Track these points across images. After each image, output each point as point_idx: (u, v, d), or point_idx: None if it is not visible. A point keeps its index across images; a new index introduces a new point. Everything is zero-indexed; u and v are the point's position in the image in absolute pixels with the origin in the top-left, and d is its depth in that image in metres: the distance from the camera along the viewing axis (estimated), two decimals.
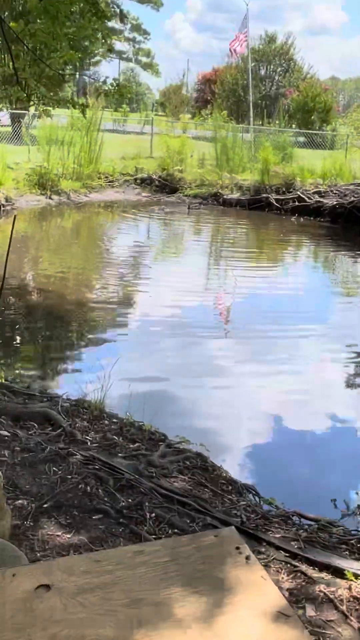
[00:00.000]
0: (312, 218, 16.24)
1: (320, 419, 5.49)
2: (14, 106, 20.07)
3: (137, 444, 4.13)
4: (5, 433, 3.90)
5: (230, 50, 25.21)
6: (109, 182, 18.28)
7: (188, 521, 3.29)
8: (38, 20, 6.31)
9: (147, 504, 3.36)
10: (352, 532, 3.58)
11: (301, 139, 25.22)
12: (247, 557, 1.73)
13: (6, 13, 6.04)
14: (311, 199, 16.58)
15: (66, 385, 5.54)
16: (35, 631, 1.51)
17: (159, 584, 1.62)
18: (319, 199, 16.47)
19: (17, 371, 5.80)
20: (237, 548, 1.75)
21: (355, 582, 2.90)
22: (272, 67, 40.37)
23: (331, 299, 9.98)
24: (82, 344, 7.10)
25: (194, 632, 1.53)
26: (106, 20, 6.88)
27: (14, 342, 6.83)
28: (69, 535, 3.04)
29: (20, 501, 3.26)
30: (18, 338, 7.00)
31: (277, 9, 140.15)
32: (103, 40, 7.99)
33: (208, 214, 16.66)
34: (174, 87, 47.48)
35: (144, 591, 1.60)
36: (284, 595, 2.73)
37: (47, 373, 6.12)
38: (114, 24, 37.68)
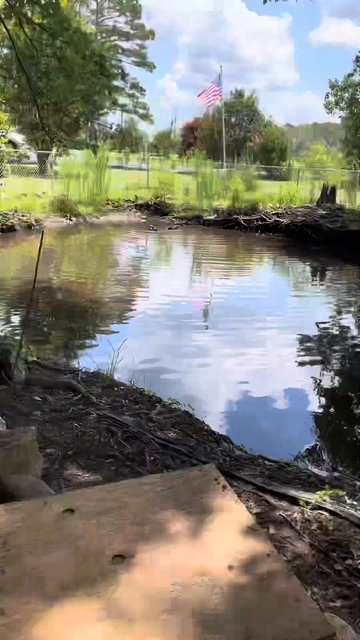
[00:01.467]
0: (271, 234, 16.24)
1: (281, 386, 5.54)
2: (40, 147, 19.97)
3: (139, 405, 4.14)
4: (38, 398, 3.91)
5: (202, 99, 25.07)
6: (115, 207, 18.18)
7: (178, 462, 3.30)
8: (58, 79, 6.28)
9: (147, 450, 3.38)
10: (303, 470, 3.62)
11: (263, 173, 25.21)
12: (224, 487, 1.75)
13: (32, 73, 5.99)
14: (270, 219, 16.59)
15: (84, 361, 5.55)
16: (63, 545, 1.52)
17: (157, 507, 1.64)
18: (277, 219, 16.48)
19: (47, 351, 5.80)
20: (216, 479, 1.77)
21: (306, 508, 2.93)
22: (240, 116, 40.21)
23: (284, 297, 10.01)
24: (96, 330, 7.10)
25: (185, 544, 1.55)
26: (111, 79, 6.84)
27: (44, 329, 6.82)
28: (87, 475, 3.04)
29: (49, 450, 3.27)
30: (46, 326, 6.98)
31: (244, 70, 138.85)
32: (109, 95, 7.96)
33: (193, 233, 16.61)
34: (164, 133, 47.27)
35: (145, 513, 1.62)
36: (254, 517, 2.76)
37: (69, 353, 6.12)
38: (117, 82, 37.31)
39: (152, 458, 3.28)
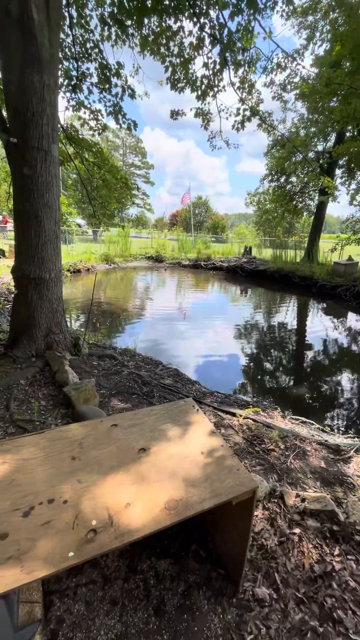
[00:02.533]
0: (218, 271, 16.24)
1: (226, 352, 5.53)
2: (93, 226, 19.68)
3: (150, 366, 4.12)
4: (94, 363, 3.86)
5: (182, 201, 25.01)
6: (134, 258, 17.99)
7: (172, 397, 3.30)
8: (103, 190, 6.19)
9: (155, 390, 3.37)
10: (239, 398, 3.64)
11: (213, 239, 25.20)
12: (197, 410, 1.74)
13: (89, 187, 5.89)
14: (217, 264, 16.57)
15: (119, 342, 5.49)
16: (111, 444, 1.50)
17: (161, 422, 1.63)
18: (221, 263, 16.46)
19: (99, 337, 5.71)
20: (194, 406, 1.76)
21: (240, 418, 2.94)
22: (200, 209, 40.06)
23: (227, 304, 10.01)
24: (125, 324, 7.01)
25: (177, 442, 1.53)
26: (131, 190, 6.75)
27: (97, 325, 6.72)
28: (123, 405, 3.02)
29: (102, 391, 3.23)
30: (98, 323, 6.88)
31: (202, 185, 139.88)
32: (130, 199, 7.90)
33: (176, 271, 16.51)
34: (160, 218, 46.86)
35: (155, 426, 1.60)
36: (213, 424, 2.76)
37: (111, 338, 6.04)
38: (135, 192, 36.72)
39: (158, 395, 3.27)
